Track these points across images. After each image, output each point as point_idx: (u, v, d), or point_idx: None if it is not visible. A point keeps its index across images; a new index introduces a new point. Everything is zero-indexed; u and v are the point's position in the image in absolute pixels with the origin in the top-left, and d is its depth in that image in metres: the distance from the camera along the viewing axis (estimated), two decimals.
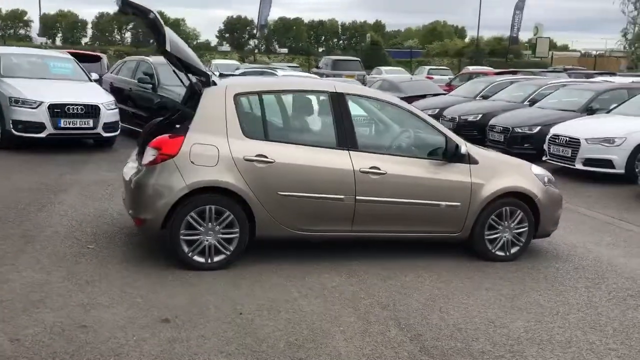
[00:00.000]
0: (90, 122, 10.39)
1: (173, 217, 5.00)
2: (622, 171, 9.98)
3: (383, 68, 32.38)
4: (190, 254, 5.08)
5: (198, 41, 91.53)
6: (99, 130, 10.52)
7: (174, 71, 6.29)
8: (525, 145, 12.03)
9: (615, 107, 11.72)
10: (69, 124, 10.21)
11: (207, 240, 5.09)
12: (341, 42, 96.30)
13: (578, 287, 5.28)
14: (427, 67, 34.22)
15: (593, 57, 59.09)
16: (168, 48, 5.04)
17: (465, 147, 5.57)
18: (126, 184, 5.33)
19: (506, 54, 47.93)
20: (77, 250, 5.46)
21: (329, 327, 4.20)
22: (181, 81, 6.31)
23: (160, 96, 11.63)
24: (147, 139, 6.01)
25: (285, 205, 5.19)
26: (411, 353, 3.91)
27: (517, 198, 5.83)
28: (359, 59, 29.29)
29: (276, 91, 5.52)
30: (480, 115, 13.80)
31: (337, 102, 5.44)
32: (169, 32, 5.05)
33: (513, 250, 5.91)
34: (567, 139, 10.58)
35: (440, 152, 5.61)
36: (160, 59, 14.81)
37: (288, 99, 5.65)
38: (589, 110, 12.21)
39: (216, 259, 5.14)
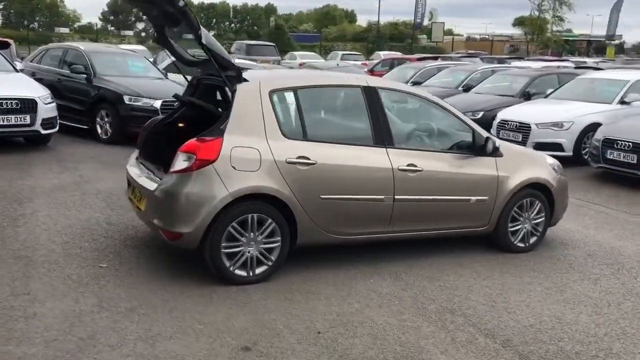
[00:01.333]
0: (27, 118, 9.32)
1: (213, 229, 4.52)
2: (571, 154, 10.49)
3: (297, 53, 31.98)
4: (231, 268, 4.63)
5: (79, 24, 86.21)
6: (37, 127, 9.46)
7: (174, 64, 5.72)
8: None
9: (552, 92, 12.26)
10: (3, 120, 9.10)
11: (248, 252, 4.67)
12: (233, 25, 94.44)
13: (605, 274, 5.40)
14: (340, 52, 34.23)
15: (478, 41, 62.14)
16: (204, 40, 4.52)
17: (497, 140, 5.50)
18: (148, 194, 4.75)
19: (404, 39, 49.25)
20: (90, 270, 4.82)
21: (416, 340, 3.98)
22: (184, 76, 5.76)
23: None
24: (149, 140, 5.43)
25: (327, 209, 4.87)
26: None
27: (535, 189, 5.86)
28: (273, 44, 28.74)
29: (311, 86, 5.13)
30: None
31: (371, 97, 5.17)
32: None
33: (532, 241, 5.96)
34: (518, 124, 10.93)
35: (469, 146, 5.50)
36: (93, 46, 13.75)
37: (323, 95, 5.27)
38: (525, 95, 12.69)
39: (258, 271, 4.73)
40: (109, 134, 10.66)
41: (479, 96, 13.30)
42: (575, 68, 16.68)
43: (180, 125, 5.67)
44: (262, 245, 4.71)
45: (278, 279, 4.81)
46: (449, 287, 4.92)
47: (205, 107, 5.25)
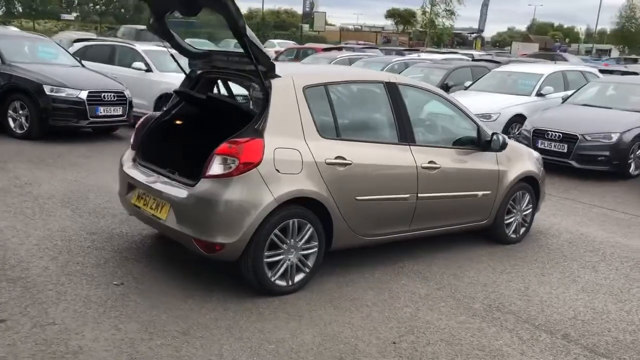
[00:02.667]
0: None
1: (256, 238, 4.17)
2: None
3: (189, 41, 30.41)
4: (272, 279, 4.31)
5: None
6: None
7: (172, 56, 5.21)
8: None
9: (471, 84, 12.81)
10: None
11: (289, 260, 4.37)
12: (98, 7, 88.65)
13: (596, 260, 5.72)
14: (232, 41, 32.99)
15: (352, 32, 63.57)
16: (248, 33, 4.11)
17: (504, 136, 5.60)
18: (176, 201, 4.27)
19: (288, 28, 49.05)
20: (106, 290, 4.27)
21: (489, 342, 3.95)
22: (181, 69, 5.24)
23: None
24: (147, 140, 4.92)
25: (361, 211, 4.69)
26: (588, 357, 3.86)
27: (526, 181, 6.07)
28: None
29: (340, 82, 4.86)
30: None
31: (394, 93, 5.03)
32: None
33: (521, 232, 6.17)
34: None
35: (475, 142, 5.55)
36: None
37: (351, 91, 5.02)
38: (444, 87, 13.16)
39: (296, 279, 4.45)
40: (25, 129, 9.55)
41: None
42: (473, 60, 17.55)
43: (178, 122, 5.18)
44: (301, 252, 4.43)
45: (312, 286, 4.55)
46: (477, 282, 4.95)
47: (233, 105, 4.78)
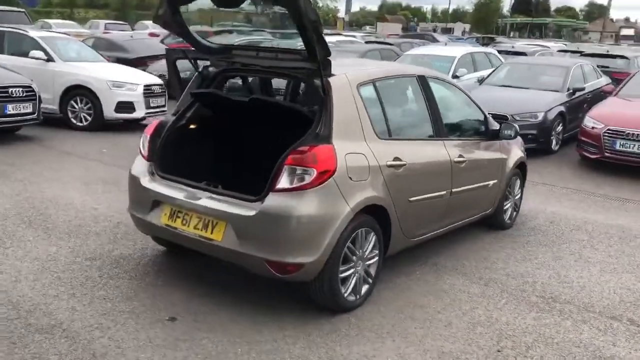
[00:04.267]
0: None
1: (334, 253, 3.82)
2: None
3: (51, 21, 27.53)
4: (345, 295, 4.00)
5: None
6: None
7: (183, 52, 4.59)
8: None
9: None
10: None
11: (357, 272, 4.08)
12: None
13: (589, 239, 6.00)
14: (103, 22, 30.43)
15: None
16: (321, 28, 3.68)
17: (515, 125, 5.63)
18: (238, 220, 3.77)
19: (149, 8, 46.10)
20: (167, 330, 3.71)
21: (579, 338, 3.95)
22: (194, 66, 4.64)
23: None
24: (165, 149, 4.34)
25: (410, 212, 4.49)
26: None
27: (517, 167, 6.21)
28: (23, 9, 24.39)
29: (383, 78, 4.53)
30: (188, 72, 13.68)
31: (425, 87, 4.85)
32: None
33: (514, 216, 6.32)
34: None
35: (484, 131, 5.55)
36: None
37: (390, 86, 4.68)
38: None
39: (362, 292, 4.17)
40: None
41: None
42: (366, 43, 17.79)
43: (192, 127, 4.60)
44: (366, 262, 4.15)
45: (370, 297, 4.30)
46: (513, 273, 4.97)
47: (292, 108, 4.26)
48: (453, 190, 4.94)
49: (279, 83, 5.39)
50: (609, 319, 4.23)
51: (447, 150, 4.87)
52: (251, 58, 4.40)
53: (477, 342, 3.79)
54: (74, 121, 10.35)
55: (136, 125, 10.57)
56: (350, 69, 4.31)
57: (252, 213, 3.72)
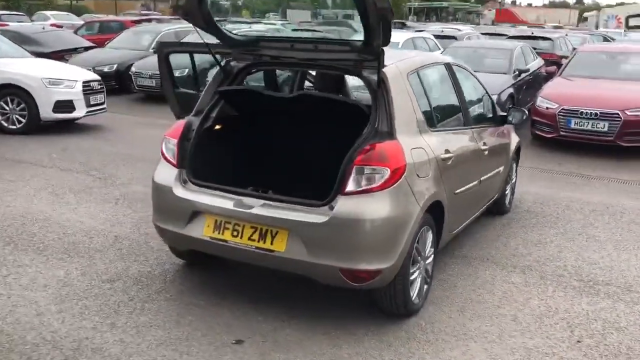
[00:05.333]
0: None
1: (408, 256, 3.61)
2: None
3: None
4: (413, 298, 3.80)
5: None
6: None
7: (206, 45, 4.17)
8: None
9: None
10: None
11: (421, 273, 3.90)
12: None
13: (586, 219, 6.15)
14: (49, 13, 27.52)
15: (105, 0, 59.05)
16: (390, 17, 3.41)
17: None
18: (306, 227, 3.45)
19: None
20: (238, 356, 3.34)
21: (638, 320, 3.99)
22: (216, 60, 4.22)
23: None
24: (195, 153, 3.95)
25: (454, 205, 4.34)
26: None
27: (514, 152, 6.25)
28: None
29: (422, 66, 4.29)
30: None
31: (453, 75, 4.72)
32: None
33: (511, 200, 6.37)
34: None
35: (492, 117, 5.52)
36: None
37: (427, 75, 4.44)
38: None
39: (423, 293, 3.99)
40: None
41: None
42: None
43: (221, 127, 4.20)
44: (426, 262, 3.98)
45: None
46: (540, 258, 4.98)
47: (355, 104, 3.92)
48: (481, 179, 4.86)
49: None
50: None
51: (475, 138, 4.77)
52: (284, 50, 4.06)
53: (553, 334, 3.72)
54: (6, 124, 9.37)
55: (73, 126, 9.79)
56: (400, 59, 4.08)
57: (322, 219, 3.42)
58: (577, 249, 5.23)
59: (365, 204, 3.42)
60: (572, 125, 9.21)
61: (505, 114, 5.54)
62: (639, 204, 6.66)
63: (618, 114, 8.84)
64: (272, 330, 3.61)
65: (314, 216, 3.45)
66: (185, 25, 17.56)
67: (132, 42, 14.93)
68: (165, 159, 4.02)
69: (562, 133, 9.32)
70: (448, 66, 4.71)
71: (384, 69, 3.72)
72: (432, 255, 4.07)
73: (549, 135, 9.52)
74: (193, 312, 3.80)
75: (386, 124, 3.62)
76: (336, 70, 3.98)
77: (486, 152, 4.93)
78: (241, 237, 3.63)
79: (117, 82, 13.49)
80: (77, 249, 4.75)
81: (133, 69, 12.94)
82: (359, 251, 3.43)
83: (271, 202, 3.62)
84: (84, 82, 9.73)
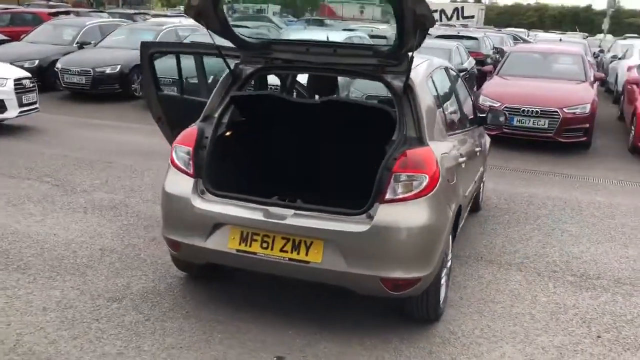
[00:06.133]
0: None
1: (442, 262, 3.63)
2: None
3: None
4: (441, 305, 3.83)
5: None
6: None
7: (215, 47, 3.97)
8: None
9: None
10: None
11: (445, 279, 3.93)
12: None
13: (557, 214, 6.44)
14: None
15: None
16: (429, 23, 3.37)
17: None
18: (344, 237, 3.36)
19: None
20: None
21: None
22: (226, 63, 4.02)
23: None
24: (213, 162, 3.78)
25: (464, 207, 4.41)
26: None
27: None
28: None
29: (435, 70, 4.29)
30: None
31: (450, 78, 4.78)
32: None
33: (482, 198, 6.56)
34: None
35: (475, 118, 5.64)
36: None
37: (439, 79, 4.42)
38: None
39: (445, 297, 4.03)
40: None
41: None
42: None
43: (236, 134, 4.02)
44: (448, 265, 4.01)
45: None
46: (530, 255, 5.15)
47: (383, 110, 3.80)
48: (475, 179, 4.97)
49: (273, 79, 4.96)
50: None
51: (473, 140, 4.86)
52: (299, 54, 3.93)
53: (573, 331, 3.86)
54: None
55: (1, 128, 9.08)
56: (422, 60, 4.06)
57: (363, 229, 3.35)
58: (557, 243, 5.46)
59: (405, 212, 3.38)
60: (515, 123, 9.61)
61: (483, 115, 5.66)
62: (591, 198, 7.03)
63: (557, 111, 9.33)
64: (307, 345, 3.51)
65: (353, 225, 3.38)
66: (109, 19, 16.88)
67: (52, 37, 14.07)
68: (178, 168, 3.79)
69: (505, 130, 9.69)
70: (446, 69, 4.76)
71: (414, 72, 3.69)
72: (450, 259, 4.10)
73: (493, 133, 9.84)
74: (218, 329, 3.62)
75: (414, 130, 3.60)
76: (355, 75, 3.91)
77: (478, 154, 5.04)
78: (272, 249, 3.49)
79: (40, 79, 12.63)
80: (63, 266, 4.40)
81: (59, 65, 12.16)
82: (401, 260, 3.39)
83: (302, 212, 3.50)
84: (15, 80, 9.04)
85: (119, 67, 12.14)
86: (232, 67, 4.04)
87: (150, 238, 5.03)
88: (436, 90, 4.16)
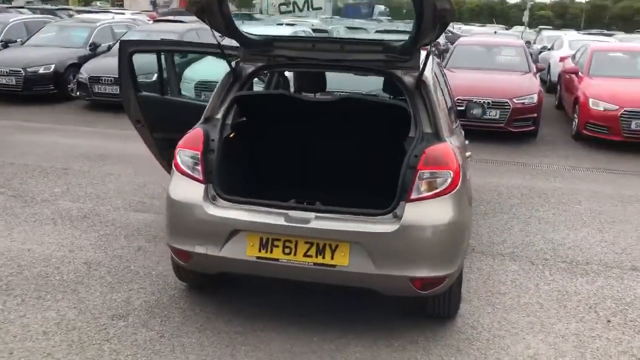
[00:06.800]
0: None
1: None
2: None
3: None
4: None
5: None
6: None
7: (219, 46, 3.78)
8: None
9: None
10: None
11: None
12: None
13: (529, 202, 6.62)
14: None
15: None
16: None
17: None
18: (371, 238, 3.28)
19: None
20: None
21: None
22: (229, 63, 3.83)
23: None
24: (222, 166, 3.62)
25: None
26: None
27: None
28: None
29: (434, 64, 4.25)
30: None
31: (442, 72, 4.76)
32: None
33: None
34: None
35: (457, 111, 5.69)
36: None
37: (437, 73, 4.37)
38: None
39: None
40: None
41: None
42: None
43: (241, 135, 3.85)
44: None
45: None
46: (518, 244, 5.24)
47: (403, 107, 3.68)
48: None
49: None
50: (632, 271, 4.75)
51: (462, 133, 4.89)
52: (305, 51, 3.80)
53: (583, 317, 3.95)
54: None
55: None
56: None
57: (392, 229, 3.27)
58: (537, 231, 5.59)
59: (433, 210, 3.33)
60: (468, 115, 9.79)
61: (462, 108, 5.72)
62: (552, 185, 7.26)
63: (507, 102, 9.58)
64: (336, 350, 3.41)
65: (381, 226, 3.29)
66: (35, 16, 15.94)
67: None
68: (184, 173, 3.57)
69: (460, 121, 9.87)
70: (439, 64, 4.75)
71: (425, 69, 3.64)
72: None
73: None
74: (239, 341, 3.46)
75: (430, 126, 3.56)
76: (364, 71, 3.82)
77: (467, 147, 5.07)
78: (295, 254, 3.36)
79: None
80: (51, 284, 4.08)
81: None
82: (429, 258, 3.34)
83: (326, 214, 3.38)
84: None
85: (53, 66, 11.49)
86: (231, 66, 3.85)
87: (135, 248, 4.76)
88: (439, 83, 4.14)
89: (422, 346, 3.49)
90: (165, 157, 4.88)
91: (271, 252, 3.38)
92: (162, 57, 4.84)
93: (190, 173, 3.56)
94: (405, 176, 3.34)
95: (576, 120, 9.96)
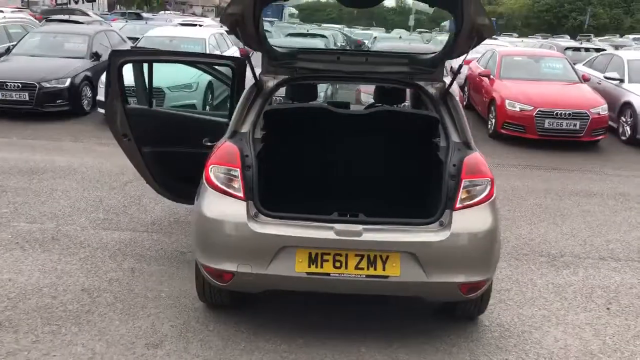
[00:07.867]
0: None
1: None
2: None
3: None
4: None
5: None
6: None
7: (247, 61, 3.67)
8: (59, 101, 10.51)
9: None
10: None
11: None
12: None
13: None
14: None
15: None
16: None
17: None
18: (423, 248, 3.34)
19: None
20: None
21: (626, 280, 4.79)
22: (253, 74, 3.72)
23: None
24: (260, 180, 3.57)
25: None
26: None
27: None
28: None
29: None
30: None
31: None
32: None
33: None
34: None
35: None
36: None
37: None
38: None
39: None
40: None
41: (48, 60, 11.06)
42: None
43: (274, 149, 3.76)
44: None
45: None
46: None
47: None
48: None
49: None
50: (602, 260, 5.19)
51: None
52: (329, 63, 3.78)
53: (585, 307, 4.27)
54: None
55: None
56: None
57: (442, 237, 3.36)
58: (504, 228, 5.90)
59: (477, 217, 3.45)
60: None
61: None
62: (509, 184, 7.61)
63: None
64: (389, 359, 3.43)
65: (431, 235, 3.37)
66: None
67: None
68: (221, 190, 3.43)
69: None
70: None
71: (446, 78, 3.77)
72: None
73: None
74: (283, 357, 3.38)
75: (458, 136, 3.69)
76: (389, 83, 3.87)
77: None
78: (346, 268, 3.35)
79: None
80: (57, 315, 3.75)
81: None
82: (475, 264, 3.46)
83: (374, 226, 3.40)
84: None
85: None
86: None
87: (128, 270, 4.48)
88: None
89: (467, 347, 3.61)
90: (155, 173, 4.65)
91: (321, 266, 3.34)
92: (145, 67, 4.59)
93: (227, 190, 3.42)
94: (449, 185, 3.44)
95: (493, 120, 10.60)
